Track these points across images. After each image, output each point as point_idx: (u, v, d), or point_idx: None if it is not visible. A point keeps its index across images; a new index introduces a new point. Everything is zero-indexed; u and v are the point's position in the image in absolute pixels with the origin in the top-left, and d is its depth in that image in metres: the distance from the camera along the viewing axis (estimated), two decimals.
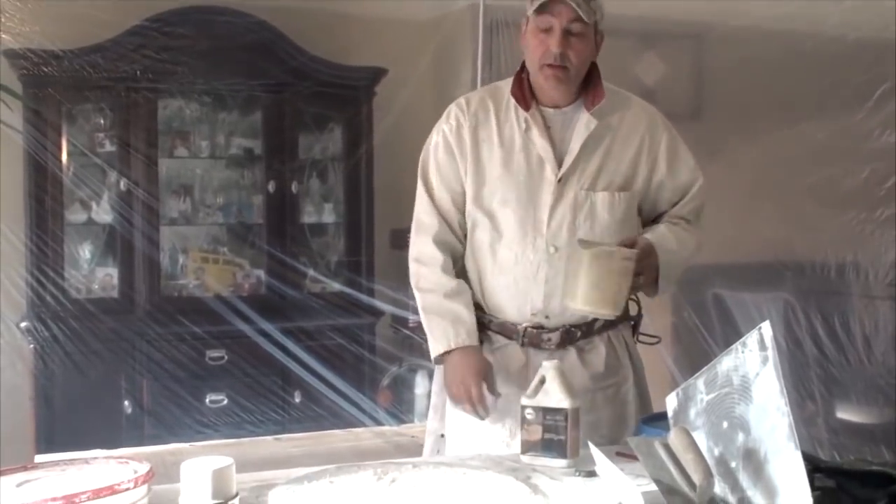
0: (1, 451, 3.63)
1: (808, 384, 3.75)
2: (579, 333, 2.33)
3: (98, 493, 1.51)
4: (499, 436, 2.31)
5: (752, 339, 1.64)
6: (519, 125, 2.33)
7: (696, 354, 4.04)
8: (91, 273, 4.28)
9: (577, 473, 1.87)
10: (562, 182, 2.29)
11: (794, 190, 3.91)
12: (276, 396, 4.27)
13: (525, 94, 2.34)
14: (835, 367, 3.67)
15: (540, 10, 2.24)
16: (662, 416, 1.98)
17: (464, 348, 2.28)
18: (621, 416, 2.37)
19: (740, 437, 1.64)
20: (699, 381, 1.79)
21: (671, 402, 1.88)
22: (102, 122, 4.29)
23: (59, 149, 4.13)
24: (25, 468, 1.69)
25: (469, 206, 2.37)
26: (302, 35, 4.39)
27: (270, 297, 4.38)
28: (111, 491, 1.52)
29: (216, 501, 1.46)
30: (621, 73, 4.38)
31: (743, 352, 1.66)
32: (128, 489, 1.54)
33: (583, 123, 2.30)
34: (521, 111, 2.32)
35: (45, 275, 4.06)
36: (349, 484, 1.78)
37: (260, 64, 4.30)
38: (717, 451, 1.70)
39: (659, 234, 2.35)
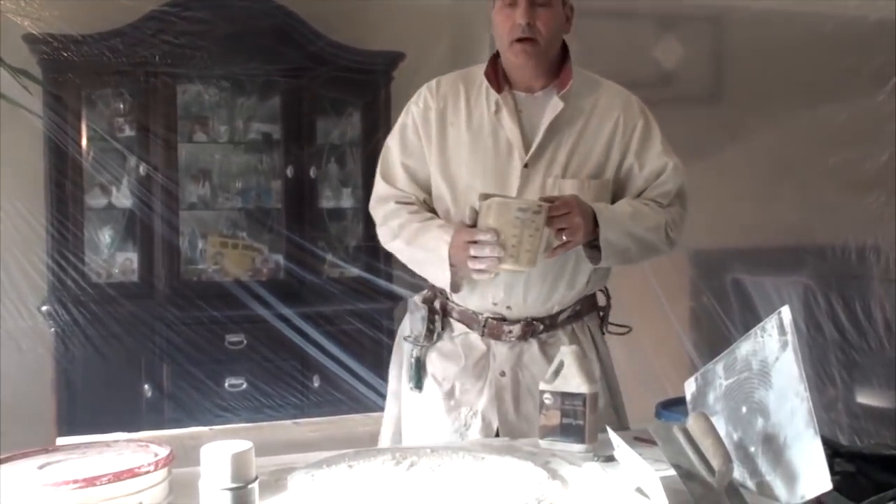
0: (23, 433, 3.66)
1: (828, 368, 3.73)
2: (542, 326, 2.29)
3: (118, 476, 1.52)
4: (453, 426, 2.28)
5: (771, 323, 1.63)
6: (489, 108, 2.28)
7: (715, 339, 4.03)
8: (111, 257, 4.30)
9: (596, 458, 1.87)
10: (529, 167, 2.24)
11: (814, 173, 3.88)
12: (295, 381, 4.29)
13: (498, 76, 2.30)
14: (855, 351, 3.66)
15: None
16: (681, 400, 1.97)
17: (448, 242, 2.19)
18: None
19: (759, 421, 1.64)
20: (718, 366, 1.78)
21: (689, 387, 1.88)
22: (122, 106, 4.31)
23: (79, 133, 4.14)
24: (47, 450, 1.70)
25: (434, 192, 2.34)
26: (320, 20, 4.38)
27: (289, 282, 4.39)
28: (132, 474, 1.53)
29: (236, 485, 1.47)
30: (640, 57, 4.39)
31: (762, 336, 1.65)
32: (148, 472, 1.55)
33: (551, 107, 2.26)
34: (493, 93, 2.28)
35: (65, 259, 4.08)
36: (368, 468, 1.79)
37: (278, 49, 4.29)
38: (736, 436, 1.70)
39: (614, 205, 2.27)
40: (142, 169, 4.18)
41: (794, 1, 3.79)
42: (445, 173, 2.31)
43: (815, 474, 1.49)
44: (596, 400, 1.97)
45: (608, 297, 2.44)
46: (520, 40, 2.21)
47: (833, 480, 1.48)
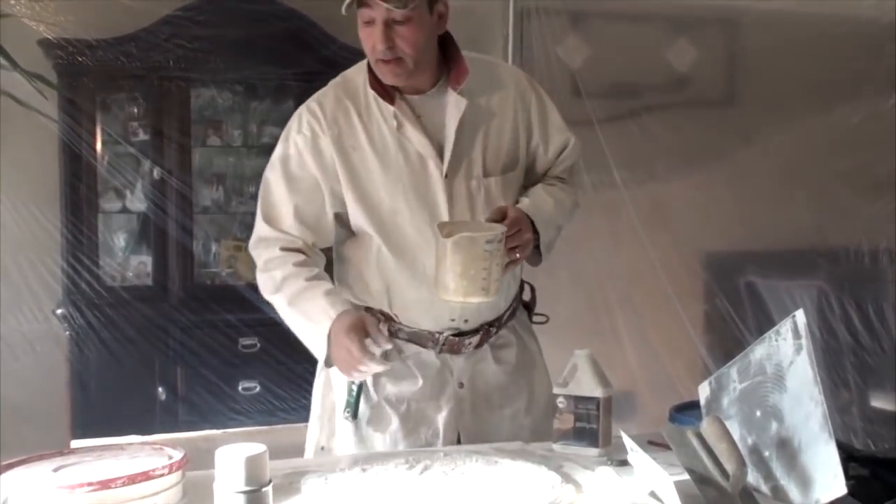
0: (38, 436, 3.68)
1: (842, 372, 3.72)
2: (494, 330, 2.24)
3: (133, 479, 1.52)
4: (413, 448, 2.16)
5: (785, 327, 1.63)
6: (388, 123, 2.12)
7: (729, 343, 4.02)
8: (125, 261, 4.32)
9: (610, 462, 1.87)
10: (449, 177, 2.12)
11: (827, 176, 3.87)
12: (308, 384, 4.24)
13: (385, 84, 2.12)
14: (869, 355, 3.64)
15: (358, 4, 2.02)
16: (695, 404, 1.97)
17: (338, 318, 2.03)
18: (536, 398, 2.30)
19: (774, 425, 1.63)
20: (732, 370, 1.78)
21: (704, 391, 1.87)
22: (136, 111, 4.33)
23: (94, 138, 4.17)
24: (62, 453, 1.71)
25: (357, 223, 2.16)
26: (333, 23, 4.38)
27: None
28: (146, 477, 1.54)
29: (249, 488, 1.47)
30: (653, 60, 4.38)
31: (777, 340, 1.65)
32: (162, 475, 1.56)
33: (453, 106, 2.12)
34: (387, 106, 2.11)
35: (80, 262, 4.10)
36: (381, 472, 1.79)
37: (291, 53, 4.30)
38: (750, 440, 1.70)
39: (535, 199, 2.20)
40: (156, 173, 4.20)
41: (807, 3, 3.78)
42: (363, 201, 2.14)
43: (830, 478, 1.49)
44: (610, 404, 1.97)
45: (532, 289, 2.39)
46: (384, 61, 2.05)
47: (848, 485, 1.48)
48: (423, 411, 2.20)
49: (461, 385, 2.22)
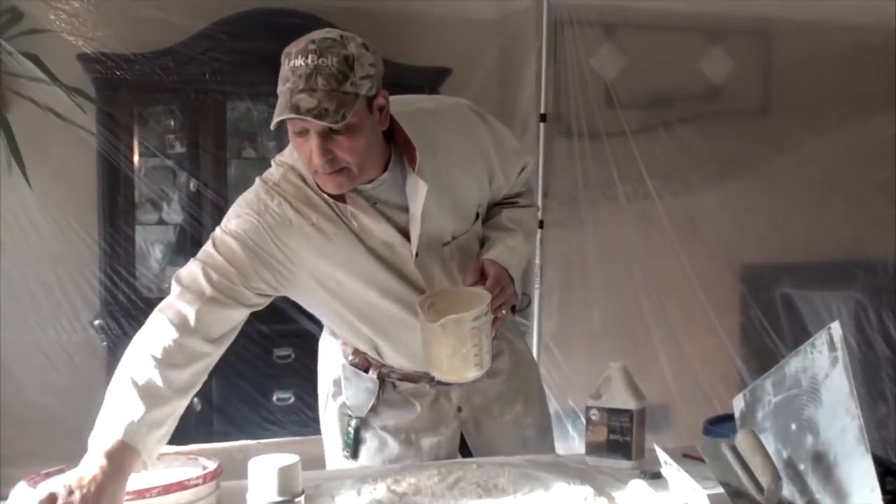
0: (75, 446, 3.71)
1: (879, 385, 3.68)
2: None
3: (168, 489, 1.54)
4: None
5: (821, 339, 1.62)
6: (347, 221, 1.95)
7: (764, 355, 3.99)
8: (162, 272, 4.34)
9: (643, 475, 1.86)
10: (420, 254, 1.99)
11: (864, 187, 3.85)
12: None
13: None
14: None
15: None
16: (729, 417, 1.96)
17: (104, 444, 1.67)
18: (532, 396, 2.29)
19: (809, 439, 1.62)
20: (767, 383, 1.77)
21: (738, 404, 1.86)
22: (172, 123, 4.36)
23: (131, 150, 4.20)
24: None
25: (338, 306, 2.03)
26: (366, 36, 4.36)
27: None
28: (181, 486, 1.56)
29: (282, 498, 1.48)
30: (687, 71, 4.37)
31: (812, 352, 1.64)
32: (197, 485, 1.57)
33: (413, 189, 1.95)
34: (341, 205, 1.94)
35: (117, 274, 4.13)
36: (413, 483, 1.79)
37: None
38: (785, 454, 1.68)
39: (506, 241, 2.11)
40: (192, 185, 4.23)
41: (842, 14, 3.76)
42: (343, 288, 2.00)
43: (866, 493, 1.48)
44: (643, 416, 1.96)
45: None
46: (326, 173, 1.85)
47: (884, 500, 1.46)
48: (422, 438, 2.15)
49: (459, 409, 2.17)
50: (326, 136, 1.80)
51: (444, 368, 1.91)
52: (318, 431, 4.02)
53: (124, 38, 3.89)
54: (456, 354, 1.87)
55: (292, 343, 4.25)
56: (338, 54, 1.84)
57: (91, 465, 1.61)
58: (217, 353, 1.98)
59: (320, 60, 1.83)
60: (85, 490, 1.54)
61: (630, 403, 1.94)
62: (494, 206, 2.23)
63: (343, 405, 2.21)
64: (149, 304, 4.11)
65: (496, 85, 4.78)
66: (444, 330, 1.84)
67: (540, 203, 3.97)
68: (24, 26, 3.80)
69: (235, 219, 2.00)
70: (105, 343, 4.09)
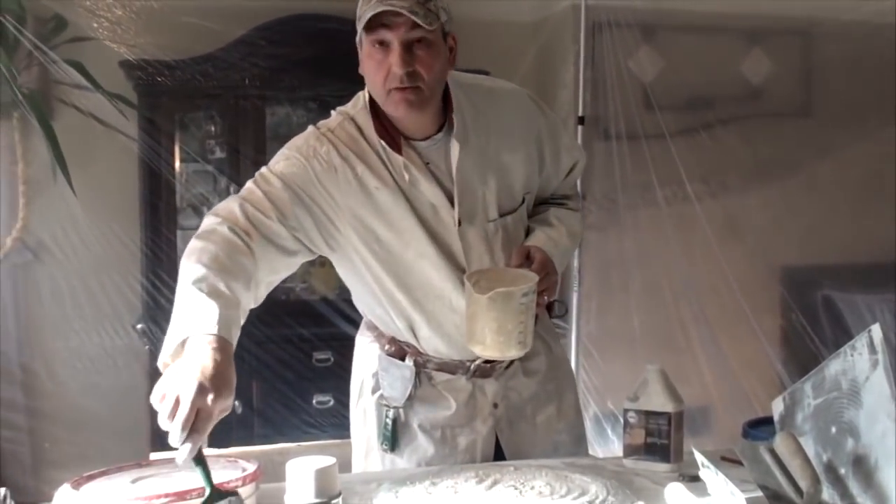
0: (119, 448, 3.77)
1: None
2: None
3: None
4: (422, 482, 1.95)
5: (861, 341, 1.61)
6: (397, 173, 1.99)
7: (805, 358, 3.96)
8: None
9: (681, 478, 1.85)
10: (463, 224, 2.01)
11: None
12: None
13: (390, 131, 1.98)
14: None
15: (370, 27, 1.89)
16: (768, 420, 1.95)
17: (204, 338, 1.67)
18: (566, 399, 2.28)
19: (849, 442, 1.61)
20: (807, 385, 1.76)
21: (777, 407, 1.85)
22: (213, 129, 4.41)
23: (172, 156, 4.24)
24: (140, 465, 1.76)
25: (380, 263, 2.04)
26: None
27: None
28: (221, 488, 1.57)
29: (320, 500, 1.49)
30: (727, 72, 4.34)
31: (852, 355, 1.63)
32: (237, 487, 1.59)
33: (453, 151, 1.98)
34: (395, 155, 1.97)
35: (159, 278, 4.17)
36: (451, 485, 1.80)
37: None
38: (825, 457, 1.67)
39: (550, 233, 2.13)
40: (232, 189, 4.26)
41: (884, 14, 3.72)
42: (389, 248, 2.03)
43: None
44: (681, 419, 1.95)
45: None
46: (399, 89, 1.89)
47: None
48: (458, 436, 2.15)
49: (495, 406, 2.16)
50: (408, 48, 1.86)
51: (487, 342, 1.89)
52: None
53: (165, 44, 3.93)
54: (501, 330, 1.87)
55: (331, 347, 4.27)
56: None
57: (204, 362, 1.59)
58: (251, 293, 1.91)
59: None
60: (215, 387, 1.54)
61: (668, 406, 1.93)
62: (542, 204, 2.25)
63: (381, 397, 2.19)
64: None
65: (534, 87, 4.75)
66: (491, 303, 1.85)
67: None
68: (69, 35, 3.86)
69: (283, 161, 2.04)
70: (147, 347, 4.14)
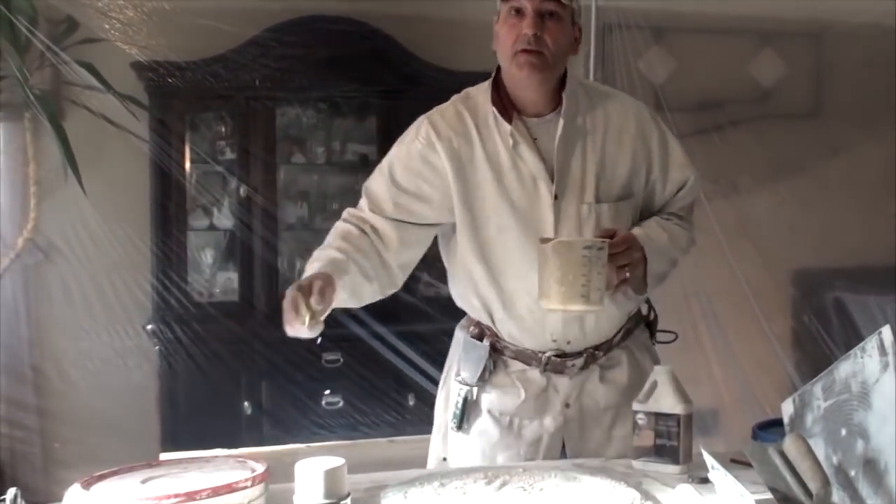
0: (129, 448, 3.78)
1: None
2: (601, 354, 2.21)
3: (217, 491, 1.56)
4: (514, 462, 2.16)
5: (871, 343, 1.60)
6: (504, 141, 2.13)
7: (817, 360, 3.95)
8: (212, 277, 4.39)
9: (690, 480, 1.84)
10: (559, 198, 2.11)
11: None
12: (391, 399, 4.31)
13: (504, 102, 2.15)
14: None
15: None
16: (778, 422, 1.94)
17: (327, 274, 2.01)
18: None
19: (860, 445, 1.60)
20: (816, 387, 1.75)
21: (787, 409, 1.84)
22: (223, 130, 4.41)
23: (183, 157, 4.25)
24: (150, 465, 1.76)
25: (461, 237, 2.17)
26: (415, 42, 4.43)
27: (385, 301, 4.35)
28: (229, 489, 1.57)
29: (328, 501, 1.49)
30: (738, 73, 4.33)
31: (862, 357, 1.62)
32: (245, 487, 1.59)
33: (559, 129, 2.12)
34: (505, 124, 2.12)
35: (169, 279, 4.18)
36: (459, 486, 1.80)
37: (374, 71, 4.35)
38: (835, 459, 1.66)
39: (648, 228, 2.19)
40: (242, 191, 4.27)
41: (894, 15, 3.70)
42: (471, 218, 2.15)
43: None
44: (690, 421, 1.95)
45: (651, 307, 2.36)
46: (525, 51, 2.06)
47: None
48: (525, 427, 2.20)
49: (567, 405, 2.20)
50: (542, 16, 2.06)
51: (551, 294, 1.95)
52: (366, 435, 4.06)
53: (176, 45, 3.94)
54: (563, 280, 1.93)
55: (341, 348, 4.28)
56: None
57: (313, 277, 1.96)
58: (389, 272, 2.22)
59: None
60: (318, 283, 1.93)
61: (677, 408, 1.92)
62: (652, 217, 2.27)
63: (457, 375, 2.28)
64: (200, 309, 4.22)
65: None
66: (554, 252, 1.93)
67: None
68: (80, 36, 3.87)
69: (395, 148, 2.27)
70: (158, 347, 4.15)
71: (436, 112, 2.23)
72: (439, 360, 4.27)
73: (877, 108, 4.05)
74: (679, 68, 4.21)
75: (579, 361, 2.19)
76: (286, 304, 1.97)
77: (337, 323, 4.21)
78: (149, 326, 4.19)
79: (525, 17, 2.06)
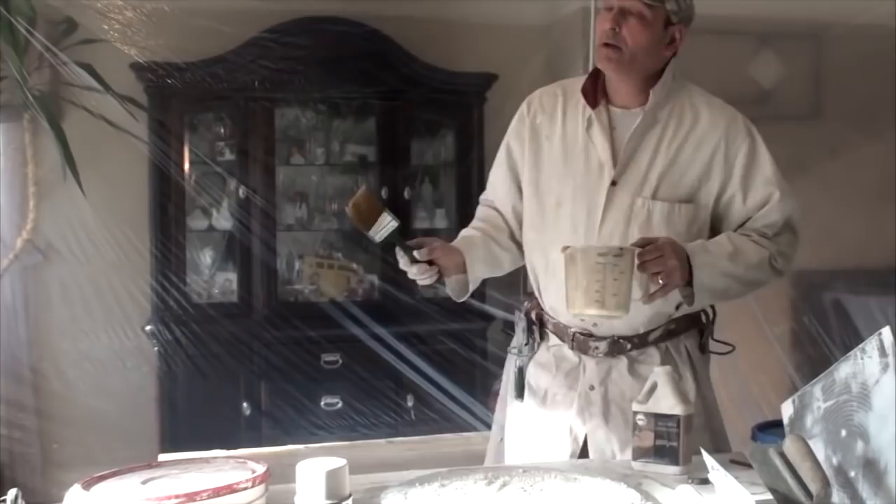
0: (128, 449, 3.77)
1: None
2: (629, 345, 2.22)
3: (217, 492, 1.55)
4: (545, 437, 2.26)
5: (871, 344, 1.60)
6: (582, 123, 2.24)
7: (818, 361, 3.94)
8: (211, 278, 4.39)
9: (690, 481, 1.84)
10: (617, 185, 2.18)
11: None
12: (390, 400, 4.32)
13: (597, 91, 2.25)
14: None
15: None
16: (778, 423, 1.94)
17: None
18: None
19: (860, 446, 1.60)
20: (816, 388, 1.75)
21: (787, 410, 1.84)
22: (222, 131, 4.42)
23: (182, 158, 4.26)
24: (150, 466, 1.76)
25: (525, 203, 2.34)
26: (414, 43, 4.44)
27: (384, 302, 4.43)
28: (230, 490, 1.57)
29: (330, 502, 1.49)
30: (738, 74, 4.33)
31: (862, 358, 1.62)
32: (245, 488, 1.59)
33: (636, 121, 2.20)
34: (587, 108, 2.23)
35: (168, 280, 4.19)
36: (459, 487, 1.80)
37: (373, 72, 4.35)
38: (835, 461, 1.66)
39: (708, 242, 2.19)
40: (241, 191, 4.27)
41: (893, 17, 3.71)
42: (535, 188, 2.30)
43: None
44: (690, 422, 1.95)
45: (709, 316, 2.33)
46: (605, 45, 2.16)
47: None
48: (557, 404, 2.27)
49: (591, 387, 2.24)
50: (623, 14, 2.14)
51: (570, 298, 2.04)
52: (365, 436, 4.06)
53: (176, 47, 3.94)
54: (578, 286, 2.01)
55: (340, 348, 4.29)
56: None
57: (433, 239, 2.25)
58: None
59: None
60: (434, 243, 2.21)
61: (677, 409, 1.92)
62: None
63: (513, 347, 2.41)
64: (199, 310, 4.22)
65: None
66: (569, 259, 2.03)
67: None
68: (79, 36, 3.87)
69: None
70: (156, 349, 4.15)
71: (537, 91, 2.38)
72: (437, 360, 4.30)
73: (876, 110, 4.05)
74: (677, 70, 4.20)
75: (603, 345, 2.23)
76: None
77: (335, 324, 4.25)
78: (148, 327, 4.19)
79: (610, 12, 2.16)
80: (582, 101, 2.25)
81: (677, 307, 2.24)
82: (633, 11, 2.14)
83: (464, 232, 2.40)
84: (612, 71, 2.20)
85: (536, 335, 2.34)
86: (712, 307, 2.34)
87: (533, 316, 2.34)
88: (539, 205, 2.29)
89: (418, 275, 2.20)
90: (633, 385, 2.20)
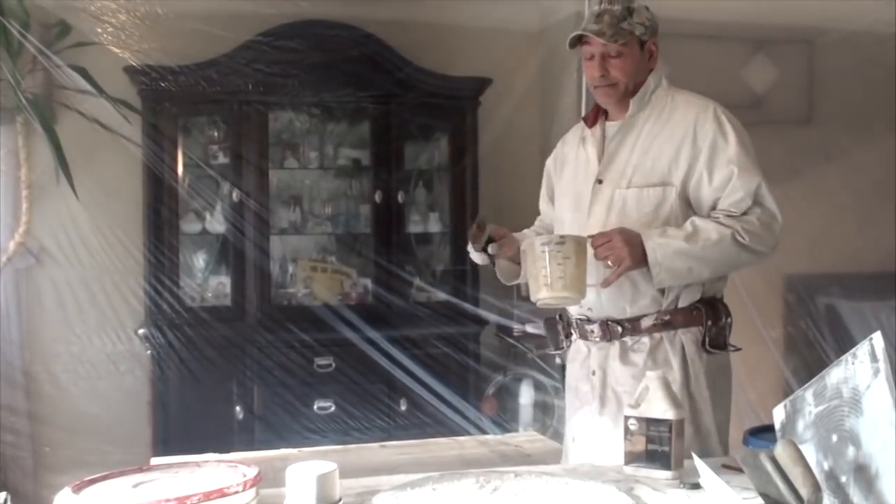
0: (121, 452, 3.77)
1: None
2: (621, 329, 2.37)
3: (208, 496, 1.55)
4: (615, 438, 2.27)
5: (862, 349, 1.60)
6: (580, 142, 2.53)
7: (814, 366, 3.95)
8: (205, 282, 4.39)
9: (682, 485, 1.84)
10: (602, 183, 2.40)
11: None
12: (382, 404, 4.32)
13: (597, 111, 2.51)
14: None
15: (576, 44, 2.41)
16: (770, 428, 1.94)
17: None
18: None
19: (851, 451, 1.60)
20: (808, 393, 1.75)
21: (778, 414, 1.84)
22: (216, 134, 4.41)
23: (175, 161, 4.25)
24: (142, 469, 1.76)
25: (552, 210, 2.66)
26: (408, 47, 4.44)
27: (377, 306, 4.43)
28: (221, 493, 1.57)
29: None
30: (731, 79, 4.34)
31: (853, 363, 1.62)
32: (237, 492, 1.59)
33: (616, 126, 2.46)
34: (585, 129, 2.51)
35: (161, 283, 4.17)
36: (451, 491, 1.80)
37: (367, 76, 4.35)
38: (826, 465, 1.66)
39: (670, 226, 2.30)
40: (235, 195, 4.26)
41: (889, 23, 3.72)
42: (552, 199, 2.65)
43: None
44: (682, 426, 1.95)
45: (717, 314, 2.39)
46: (600, 87, 2.41)
47: None
48: (579, 390, 2.48)
49: (594, 372, 2.43)
50: (605, 58, 2.38)
51: (530, 288, 2.26)
52: (358, 440, 4.06)
53: (169, 50, 3.94)
54: (531, 273, 2.24)
55: (333, 352, 4.28)
56: (622, 3, 2.39)
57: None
58: None
59: (610, 6, 2.38)
60: (501, 230, 2.49)
61: (669, 413, 1.93)
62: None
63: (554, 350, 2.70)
64: (192, 314, 4.22)
65: (537, 94, 4.78)
66: (524, 253, 2.30)
67: None
68: (72, 39, 3.87)
69: None
70: (149, 352, 4.14)
71: (569, 132, 2.65)
72: (430, 364, 4.30)
73: (869, 115, 4.06)
74: (672, 75, 4.20)
75: (596, 329, 2.40)
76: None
77: (329, 328, 4.24)
78: (141, 331, 4.18)
79: (594, 62, 2.39)
80: (581, 127, 2.54)
81: (667, 294, 2.34)
82: (612, 53, 2.36)
83: (525, 232, 2.68)
84: (613, 105, 2.45)
85: (561, 334, 2.55)
86: (724, 308, 2.42)
87: (557, 316, 2.55)
88: (556, 213, 2.59)
89: (479, 260, 2.56)
90: (624, 372, 2.35)
